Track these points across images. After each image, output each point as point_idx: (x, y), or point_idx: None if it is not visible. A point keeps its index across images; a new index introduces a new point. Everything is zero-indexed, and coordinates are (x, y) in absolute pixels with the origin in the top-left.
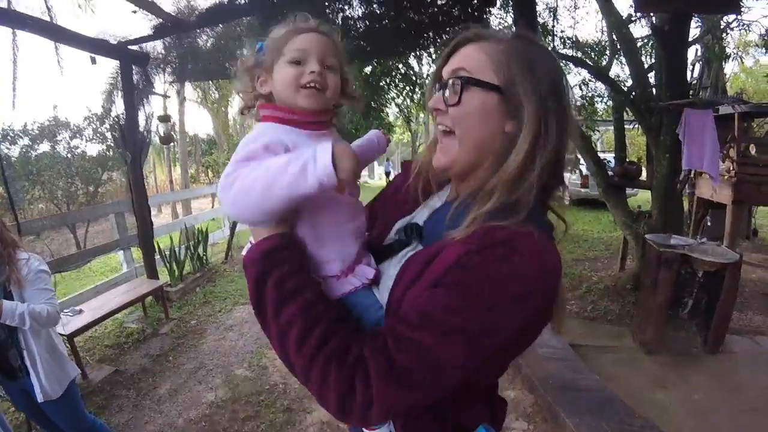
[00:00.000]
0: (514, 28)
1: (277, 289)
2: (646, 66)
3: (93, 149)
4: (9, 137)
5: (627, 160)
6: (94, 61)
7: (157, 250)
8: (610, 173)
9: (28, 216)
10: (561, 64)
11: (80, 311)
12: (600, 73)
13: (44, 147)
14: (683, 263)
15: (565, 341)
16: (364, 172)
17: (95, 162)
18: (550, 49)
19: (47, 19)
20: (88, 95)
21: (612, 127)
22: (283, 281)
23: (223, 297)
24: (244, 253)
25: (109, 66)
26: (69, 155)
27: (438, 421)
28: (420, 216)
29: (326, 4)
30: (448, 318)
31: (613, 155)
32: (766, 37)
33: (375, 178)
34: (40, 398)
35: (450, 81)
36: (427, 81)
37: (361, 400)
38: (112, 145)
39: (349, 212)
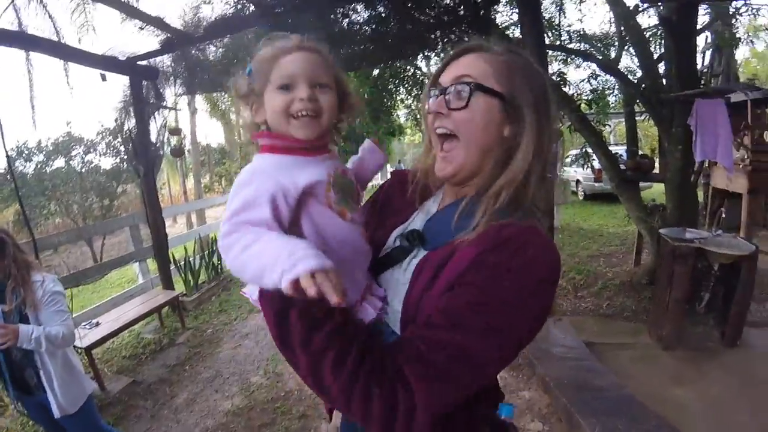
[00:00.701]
0: (519, 25)
1: (303, 319)
2: (655, 56)
3: (107, 163)
4: (24, 154)
5: (639, 153)
6: (104, 77)
7: (172, 260)
8: (622, 167)
9: (44, 231)
10: (569, 58)
11: (97, 324)
12: (609, 66)
13: (59, 163)
14: (699, 257)
15: (580, 340)
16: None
17: (109, 175)
18: (557, 44)
19: (56, 39)
20: (101, 111)
21: (624, 120)
22: (308, 309)
23: (238, 305)
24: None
25: (120, 82)
26: (83, 170)
27: (467, 410)
28: (417, 222)
29: (330, 10)
30: (477, 315)
31: (626, 148)
32: None
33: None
34: (57, 414)
35: (455, 86)
36: None
37: (404, 408)
38: (125, 158)
39: (355, 240)
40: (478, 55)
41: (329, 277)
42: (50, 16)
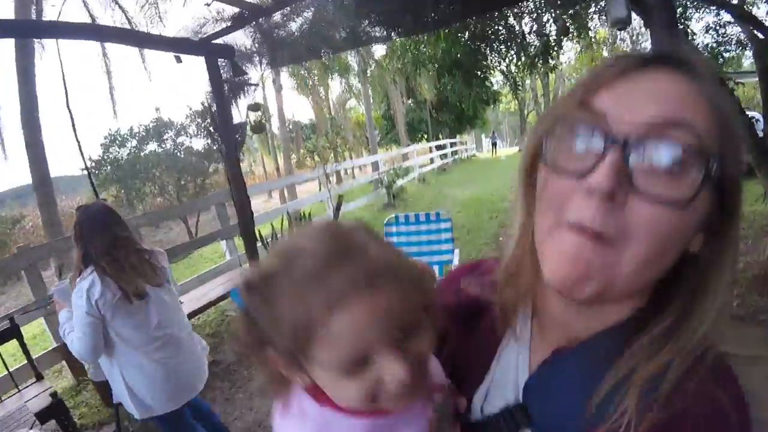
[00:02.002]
0: None
1: None
2: None
3: (199, 144)
4: (117, 141)
5: None
6: (179, 59)
7: (258, 237)
8: (760, 134)
9: (142, 210)
10: (689, 4)
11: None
12: (742, 14)
13: (152, 146)
14: None
15: None
16: (471, 144)
17: (201, 156)
18: None
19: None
20: (190, 94)
21: (749, 80)
22: None
23: None
24: None
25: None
26: (176, 152)
27: None
28: (502, 378)
29: None
30: None
31: (758, 113)
32: None
33: (483, 151)
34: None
35: (663, 146)
36: (529, 40)
37: None
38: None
39: None
40: (689, 81)
41: None
42: (121, 8)
